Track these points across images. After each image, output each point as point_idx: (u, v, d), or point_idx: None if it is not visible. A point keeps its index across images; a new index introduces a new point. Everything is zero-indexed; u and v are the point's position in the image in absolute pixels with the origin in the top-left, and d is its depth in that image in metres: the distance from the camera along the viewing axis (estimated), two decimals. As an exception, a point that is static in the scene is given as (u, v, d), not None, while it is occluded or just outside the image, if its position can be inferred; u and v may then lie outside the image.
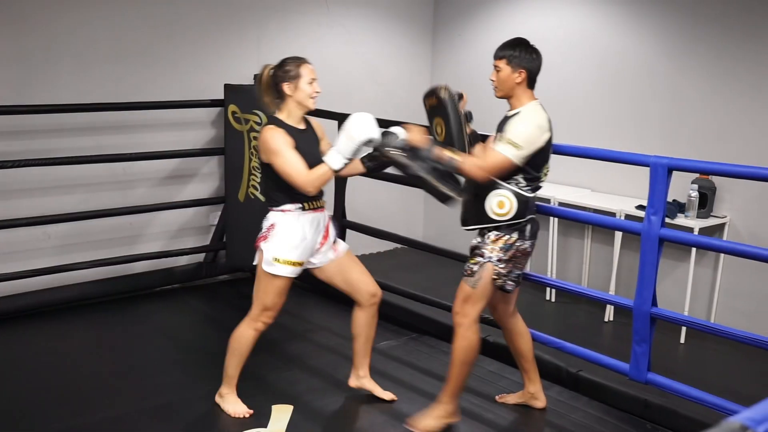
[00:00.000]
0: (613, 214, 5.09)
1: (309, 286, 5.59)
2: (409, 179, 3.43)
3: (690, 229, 4.74)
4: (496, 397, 3.91)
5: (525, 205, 3.35)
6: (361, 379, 3.91)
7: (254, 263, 3.63)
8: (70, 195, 5.14)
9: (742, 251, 3.43)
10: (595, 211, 5.25)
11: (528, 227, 3.39)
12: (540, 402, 3.79)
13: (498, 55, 3.39)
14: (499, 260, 3.37)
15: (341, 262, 3.72)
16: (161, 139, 5.44)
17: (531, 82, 3.39)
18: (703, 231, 4.82)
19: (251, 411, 3.66)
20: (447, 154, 3.29)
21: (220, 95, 5.45)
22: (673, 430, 3.61)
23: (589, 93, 5.69)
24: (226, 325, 4.95)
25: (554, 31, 5.83)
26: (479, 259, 3.41)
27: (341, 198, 5.17)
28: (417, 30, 6.76)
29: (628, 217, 4.97)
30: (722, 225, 4.96)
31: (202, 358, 4.38)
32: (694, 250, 4.91)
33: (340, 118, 4.70)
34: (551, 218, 5.55)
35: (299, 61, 3.50)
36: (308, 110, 3.54)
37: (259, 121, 5.42)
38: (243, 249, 5.59)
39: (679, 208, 4.91)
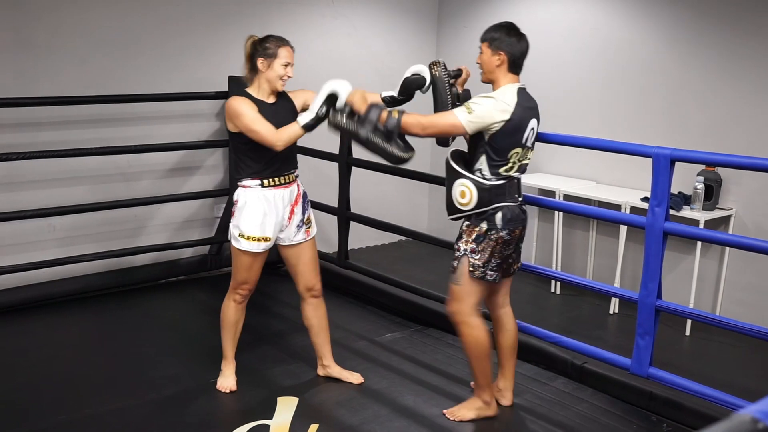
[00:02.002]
0: (618, 207, 5.07)
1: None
2: (373, 151, 3.43)
3: (696, 222, 4.73)
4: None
5: (488, 194, 3.32)
6: (326, 368, 4.04)
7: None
8: (75, 187, 5.14)
9: (747, 245, 3.42)
10: (600, 203, 5.23)
11: (498, 215, 3.33)
12: (505, 400, 3.77)
13: (481, 38, 3.41)
14: (473, 251, 3.37)
15: (301, 248, 3.82)
16: (166, 131, 5.44)
17: (512, 67, 3.35)
18: (709, 223, 4.80)
19: (234, 389, 3.83)
20: (388, 113, 3.32)
21: (225, 87, 5.44)
22: (678, 422, 3.60)
23: (594, 84, 5.67)
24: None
25: (559, 23, 5.80)
26: (457, 253, 3.44)
27: (346, 190, 5.16)
28: (422, 22, 6.74)
29: (633, 209, 4.96)
30: (728, 217, 4.94)
31: (207, 350, 4.38)
32: (699, 242, 4.89)
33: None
34: (556, 211, 5.54)
35: (281, 42, 3.57)
36: (275, 90, 3.61)
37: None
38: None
39: (685, 200, 4.89)
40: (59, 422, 3.52)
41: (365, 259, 5.82)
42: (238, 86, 5.34)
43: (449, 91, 3.52)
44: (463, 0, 6.58)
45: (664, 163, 3.37)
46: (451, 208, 3.45)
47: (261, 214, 3.59)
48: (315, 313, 3.94)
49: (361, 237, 6.22)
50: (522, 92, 3.33)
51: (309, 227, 3.82)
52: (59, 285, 5.03)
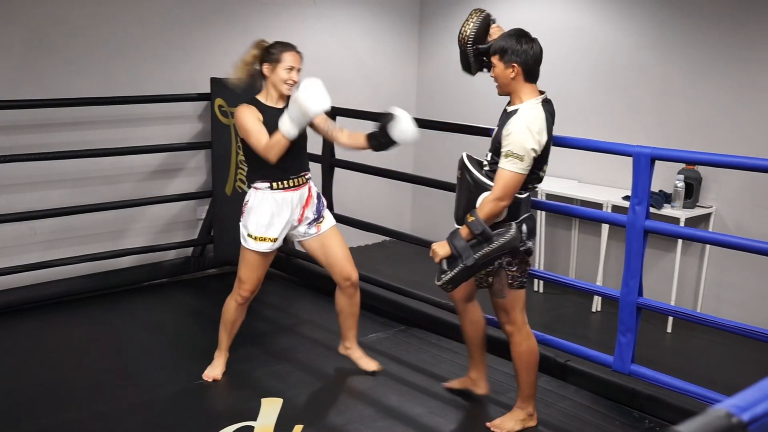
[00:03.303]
0: (600, 206, 5.11)
1: (296, 279, 5.61)
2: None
3: (676, 220, 4.77)
4: (443, 384, 3.90)
5: (517, 207, 3.26)
6: (348, 350, 4.16)
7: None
8: (57, 190, 5.11)
9: (726, 242, 3.47)
10: (582, 202, 5.26)
11: (523, 227, 3.29)
12: (480, 389, 3.80)
13: (492, 51, 3.30)
14: (509, 264, 3.33)
15: (323, 240, 3.91)
16: (148, 133, 5.42)
17: (528, 76, 3.25)
18: (689, 221, 4.84)
19: (218, 378, 3.95)
20: (469, 225, 3.16)
21: (207, 89, 5.43)
22: (660, 418, 3.63)
23: (577, 84, 5.70)
24: (214, 319, 4.94)
25: (542, 23, 5.81)
26: (490, 268, 3.33)
27: (329, 191, 5.16)
28: (404, 23, 6.75)
29: (615, 207, 5.00)
30: (708, 215, 4.98)
31: (190, 352, 4.37)
32: (680, 240, 4.94)
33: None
34: (538, 210, 5.55)
35: (285, 47, 3.67)
36: (282, 95, 3.68)
37: (245, 114, 5.40)
38: (231, 243, 5.58)
39: (666, 198, 4.93)
40: (43, 426, 3.50)
41: (349, 259, 5.82)
42: (220, 88, 5.37)
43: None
44: (444, 0, 6.60)
45: (645, 162, 3.39)
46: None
47: (269, 216, 3.70)
48: (348, 302, 4.03)
49: (344, 237, 6.20)
50: (546, 104, 3.27)
51: (320, 222, 3.88)
52: (42, 288, 5.00)
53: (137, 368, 4.16)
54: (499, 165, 3.18)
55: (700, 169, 4.90)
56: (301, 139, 3.68)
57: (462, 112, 6.09)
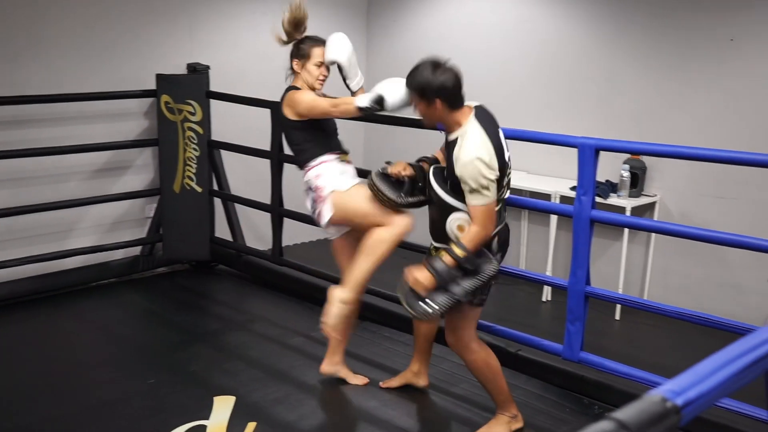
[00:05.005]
0: (548, 196, 5.17)
1: (247, 276, 5.57)
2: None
3: (622, 209, 4.85)
4: (380, 384, 3.89)
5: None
6: (335, 365, 3.93)
7: (323, 224, 3.67)
8: (-1, 190, 5.00)
9: (670, 230, 3.54)
10: (531, 193, 5.32)
11: (494, 242, 3.22)
12: (422, 381, 3.83)
13: (410, 89, 3.16)
14: None
15: None
16: (93, 131, 5.32)
17: (454, 105, 3.08)
18: (635, 210, 4.93)
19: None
20: (452, 253, 3.06)
21: (152, 85, 5.35)
22: (608, 404, 3.70)
23: (524, 77, 5.76)
24: (165, 318, 4.91)
25: (488, 16, 5.86)
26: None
27: (278, 187, 5.12)
28: (351, 16, 6.73)
29: (563, 198, 5.06)
30: (653, 204, 5.08)
31: (141, 352, 4.32)
32: (626, 229, 5.02)
33: (273, 106, 4.66)
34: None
35: (315, 42, 3.62)
36: (314, 90, 3.63)
37: (192, 110, 5.35)
38: (180, 241, 5.55)
39: (612, 188, 5.02)
40: (-12, 432, 3.43)
41: (300, 255, 5.79)
42: (166, 84, 5.30)
43: (407, 191, 3.38)
44: (391, -6, 6.60)
45: (589, 153, 3.44)
46: (445, 239, 3.21)
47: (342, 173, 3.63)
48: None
49: (295, 233, 6.19)
50: (481, 117, 3.11)
51: None
52: (-16, 292, 4.89)
53: (87, 370, 4.09)
54: (468, 202, 3.06)
55: (645, 159, 5.00)
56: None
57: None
